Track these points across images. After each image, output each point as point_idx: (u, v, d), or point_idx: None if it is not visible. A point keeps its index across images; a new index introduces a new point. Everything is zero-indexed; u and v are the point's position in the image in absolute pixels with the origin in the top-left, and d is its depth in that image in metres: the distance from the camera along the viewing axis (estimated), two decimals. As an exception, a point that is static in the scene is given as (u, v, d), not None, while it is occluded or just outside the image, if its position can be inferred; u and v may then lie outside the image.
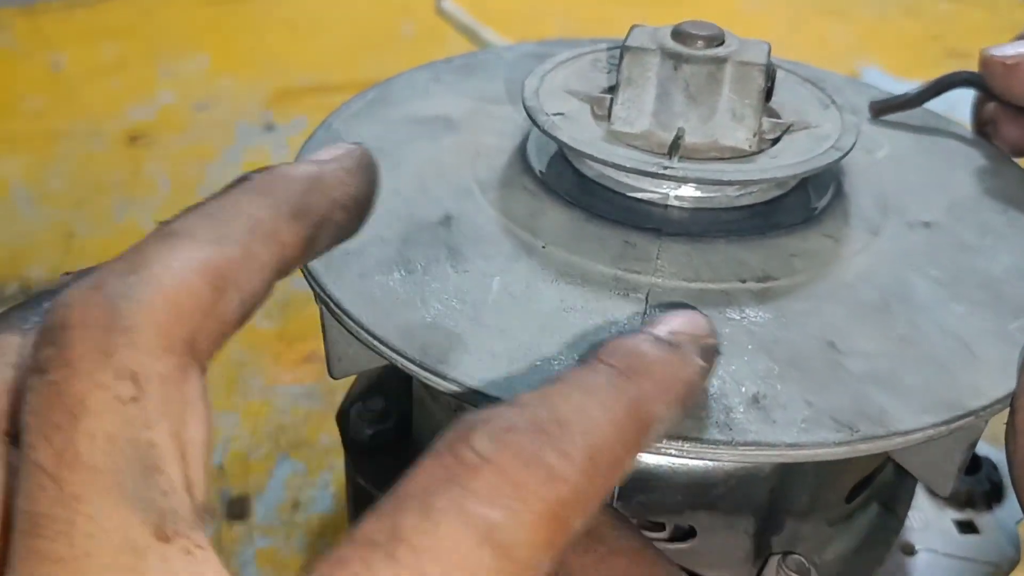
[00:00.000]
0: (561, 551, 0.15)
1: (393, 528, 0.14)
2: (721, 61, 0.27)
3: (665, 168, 0.25)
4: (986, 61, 0.31)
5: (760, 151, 0.27)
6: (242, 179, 0.18)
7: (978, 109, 0.33)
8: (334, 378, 0.26)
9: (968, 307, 0.25)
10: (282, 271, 0.18)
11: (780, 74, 0.30)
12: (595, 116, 0.28)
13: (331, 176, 0.20)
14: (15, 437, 0.16)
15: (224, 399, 0.48)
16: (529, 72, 0.30)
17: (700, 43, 0.27)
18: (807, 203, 0.28)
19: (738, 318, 0.24)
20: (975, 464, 0.34)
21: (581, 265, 0.25)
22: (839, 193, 0.29)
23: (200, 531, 0.15)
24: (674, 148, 0.26)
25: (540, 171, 0.28)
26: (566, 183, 0.28)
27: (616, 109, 0.28)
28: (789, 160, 0.26)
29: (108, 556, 0.14)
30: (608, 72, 0.30)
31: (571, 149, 0.26)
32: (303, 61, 0.75)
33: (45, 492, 0.15)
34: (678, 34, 0.27)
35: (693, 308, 0.21)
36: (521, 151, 0.29)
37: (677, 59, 0.27)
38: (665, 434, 0.18)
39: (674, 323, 0.19)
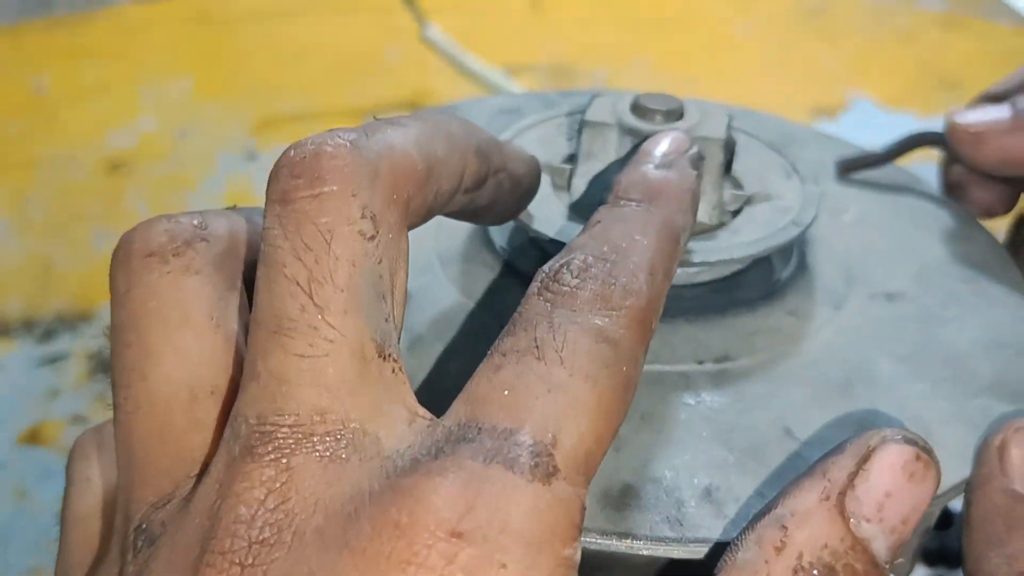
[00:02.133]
0: (648, 343, 0.19)
1: (531, 339, 0.18)
2: None
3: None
4: (951, 129, 0.31)
5: (721, 224, 0.27)
6: (445, 109, 0.22)
7: (945, 170, 0.33)
8: None
9: (930, 386, 0.25)
10: (456, 193, 0.21)
11: (743, 139, 0.30)
12: (555, 187, 0.28)
13: (510, 149, 0.23)
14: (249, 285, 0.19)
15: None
16: (496, 132, 0.29)
17: (659, 117, 0.27)
18: (769, 276, 0.28)
19: (694, 403, 0.24)
20: (947, 520, 0.34)
21: None
22: (802, 264, 0.29)
23: (400, 358, 0.18)
24: None
25: (502, 247, 0.28)
26: (527, 260, 0.28)
27: (575, 181, 0.28)
28: (748, 237, 0.26)
29: (343, 359, 0.17)
30: (570, 139, 0.30)
31: (531, 229, 0.26)
32: (287, 85, 0.75)
33: (295, 300, 0.17)
34: (637, 108, 0.27)
35: (672, 130, 0.25)
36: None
37: (635, 135, 0.27)
38: (688, 238, 0.22)
39: (662, 147, 0.24)
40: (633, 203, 0.21)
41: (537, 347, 0.17)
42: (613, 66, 0.74)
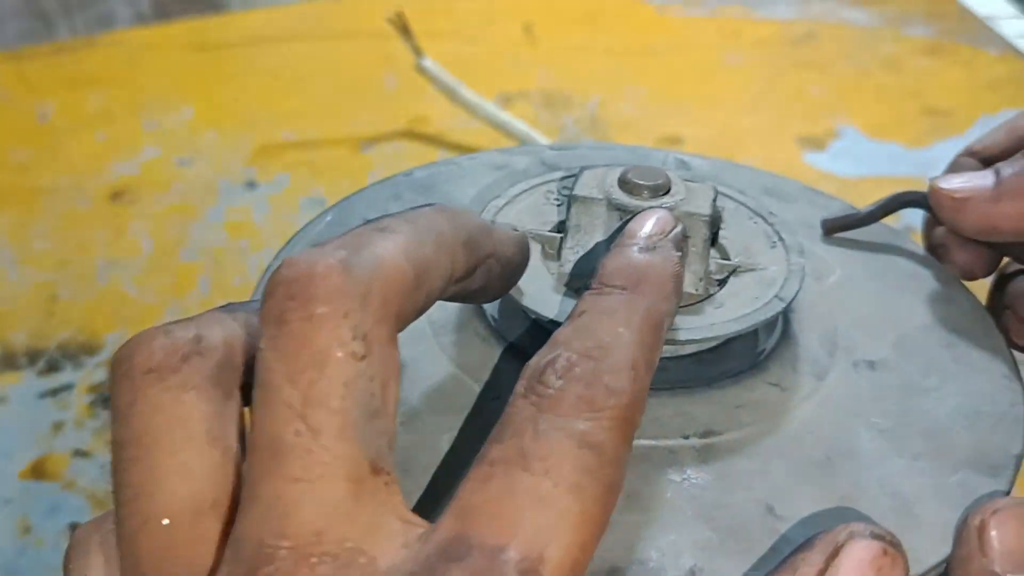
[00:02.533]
0: (632, 440, 0.19)
1: (518, 448, 0.18)
2: None
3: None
4: (933, 193, 0.31)
5: (708, 295, 0.28)
6: (431, 205, 0.22)
7: (928, 230, 0.34)
8: None
9: (909, 460, 0.26)
10: (446, 287, 0.22)
11: (731, 206, 0.31)
12: (545, 255, 0.29)
13: (499, 233, 0.24)
14: (246, 389, 0.20)
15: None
16: (487, 189, 0.30)
17: (646, 193, 0.28)
18: (754, 346, 0.29)
19: (679, 480, 0.24)
20: None
21: None
22: (787, 333, 0.29)
23: (394, 470, 0.19)
24: None
25: (493, 316, 0.29)
26: (518, 329, 0.28)
27: (565, 252, 0.28)
28: (733, 313, 0.27)
29: (338, 481, 0.18)
30: (560, 205, 0.31)
31: (520, 304, 0.27)
32: (285, 113, 0.76)
33: (290, 424, 0.18)
34: (625, 183, 0.28)
35: (655, 208, 0.26)
36: None
37: (623, 210, 0.27)
38: (671, 323, 0.23)
39: (646, 228, 0.25)
40: (617, 290, 0.22)
41: (524, 457, 0.18)
42: (606, 94, 0.75)
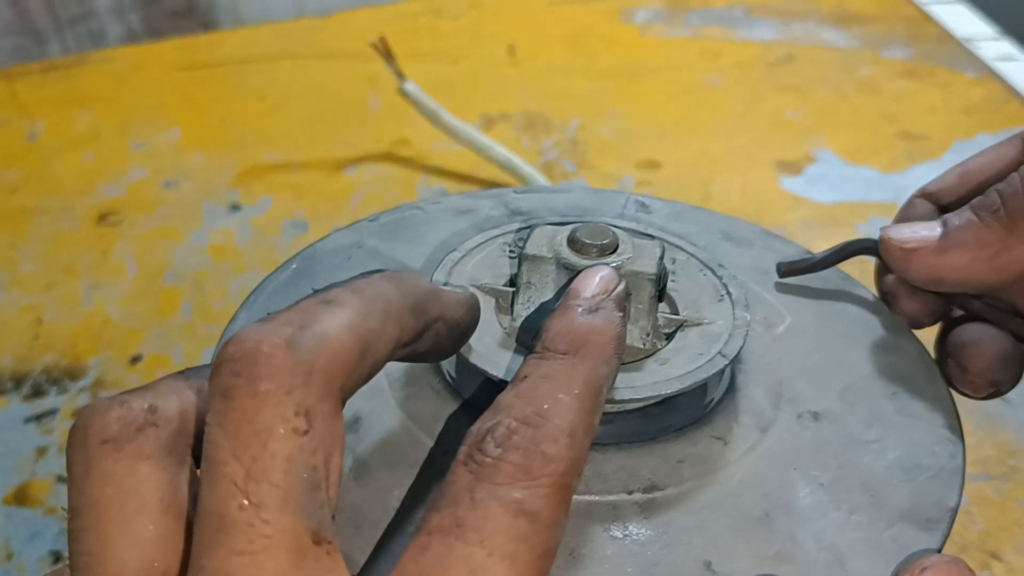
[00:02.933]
0: (568, 505, 0.20)
1: (454, 518, 0.19)
2: None
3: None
4: (883, 242, 0.32)
5: (655, 349, 0.29)
6: (379, 271, 0.23)
7: (879, 276, 0.34)
8: None
9: (846, 514, 0.26)
10: (393, 351, 0.22)
11: (681, 258, 0.32)
12: (500, 308, 0.29)
13: (447, 296, 0.25)
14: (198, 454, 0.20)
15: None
16: (451, 237, 0.31)
17: (594, 252, 0.28)
18: (700, 399, 0.29)
19: (621, 536, 0.25)
20: None
21: None
22: (733, 385, 0.30)
23: (335, 537, 0.19)
24: None
25: (448, 372, 0.30)
26: (470, 384, 0.29)
27: (517, 308, 0.29)
28: (675, 370, 0.27)
29: (280, 553, 0.18)
30: (514, 258, 0.31)
31: (469, 362, 0.28)
32: (270, 134, 0.77)
33: (233, 499, 0.18)
34: (574, 242, 0.29)
35: (598, 264, 0.27)
36: None
37: (571, 269, 0.28)
38: (611, 384, 0.24)
39: (590, 288, 0.25)
40: (558, 356, 0.23)
41: (459, 527, 0.19)
42: (586, 117, 0.76)
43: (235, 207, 0.70)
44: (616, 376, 0.25)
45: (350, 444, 0.27)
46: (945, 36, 0.82)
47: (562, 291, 0.28)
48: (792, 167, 0.69)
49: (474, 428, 0.21)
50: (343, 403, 0.21)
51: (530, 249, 0.29)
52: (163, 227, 0.69)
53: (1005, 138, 0.33)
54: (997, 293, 0.31)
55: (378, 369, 0.22)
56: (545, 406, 0.21)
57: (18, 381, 0.58)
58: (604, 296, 0.25)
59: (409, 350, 0.23)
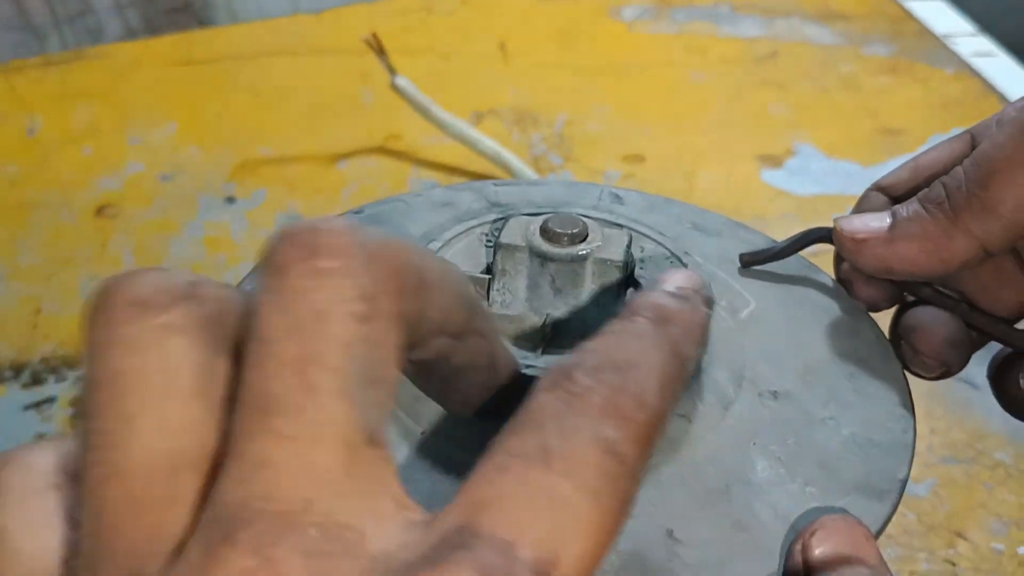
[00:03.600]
0: (648, 463, 0.19)
1: (540, 443, 0.17)
2: (582, 259, 0.30)
3: (527, 368, 0.28)
4: (836, 233, 0.33)
5: None
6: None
7: (837, 263, 0.36)
8: None
9: (801, 486, 0.28)
10: (439, 333, 0.21)
11: (649, 246, 0.33)
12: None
13: (495, 326, 0.24)
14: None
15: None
16: (433, 228, 0.33)
17: (565, 240, 0.30)
18: None
19: None
20: None
21: (454, 455, 0.27)
22: (698, 366, 0.31)
23: (388, 447, 0.17)
24: (541, 339, 0.29)
25: None
26: None
27: (493, 294, 0.31)
28: None
29: (329, 443, 0.16)
30: (491, 247, 0.33)
31: None
32: (265, 128, 0.78)
33: (283, 379, 0.16)
34: (545, 231, 0.30)
35: (686, 267, 0.27)
36: None
37: (543, 257, 0.30)
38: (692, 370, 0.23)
39: (678, 280, 0.24)
40: (647, 320, 0.21)
41: (545, 454, 0.17)
42: (573, 112, 0.77)
43: (230, 200, 0.71)
44: (696, 365, 0.25)
45: None
46: (925, 33, 0.83)
47: (539, 277, 0.30)
48: (773, 160, 0.71)
49: (560, 359, 0.19)
50: (401, 319, 0.19)
51: (504, 238, 0.30)
52: (159, 220, 0.70)
53: (955, 134, 0.34)
54: (943, 280, 0.33)
55: (424, 336, 0.20)
56: (635, 356, 0.19)
57: (17, 370, 0.59)
58: (692, 290, 0.24)
59: (447, 347, 0.21)
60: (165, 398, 0.17)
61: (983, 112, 0.73)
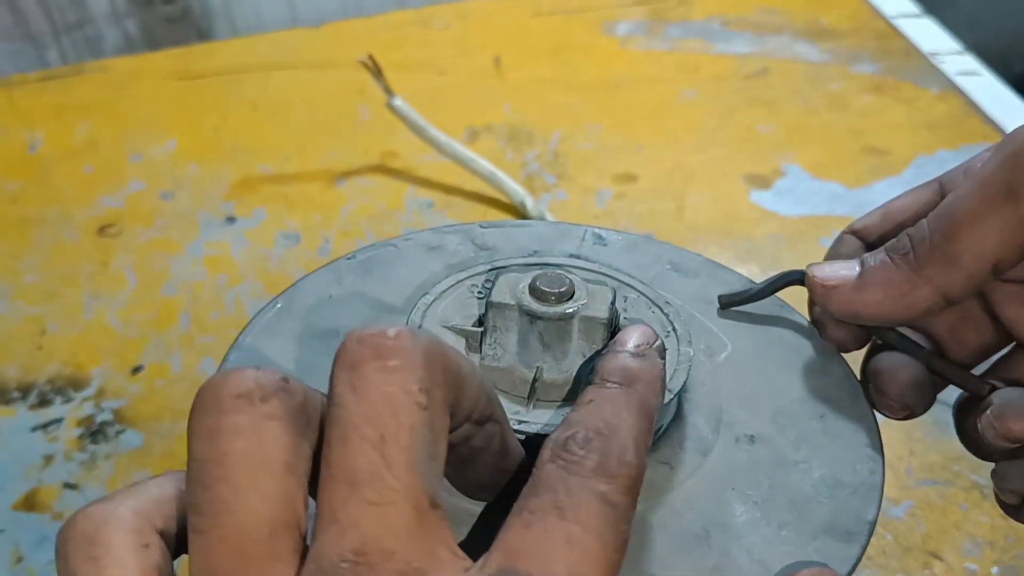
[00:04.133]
0: (635, 509, 0.24)
1: (553, 501, 0.22)
2: (568, 318, 0.31)
3: (520, 423, 0.30)
4: (808, 280, 0.35)
5: None
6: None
7: (810, 305, 0.37)
8: None
9: (776, 529, 0.30)
10: (468, 419, 0.25)
11: (632, 295, 0.35)
12: (469, 348, 0.33)
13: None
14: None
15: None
16: (424, 273, 0.34)
17: (552, 298, 0.32)
18: None
19: None
20: None
21: (447, 502, 0.29)
22: (679, 413, 0.33)
23: (444, 507, 0.22)
24: (531, 392, 0.31)
25: None
26: None
27: (485, 347, 0.32)
28: None
29: (406, 508, 0.21)
30: (483, 298, 0.34)
31: None
32: (263, 144, 0.79)
33: (366, 456, 0.21)
34: (534, 290, 0.32)
35: (641, 322, 0.30)
36: None
37: (532, 316, 0.31)
38: (658, 418, 0.28)
39: (635, 339, 0.29)
40: (616, 385, 0.26)
41: (558, 508, 0.22)
42: (567, 129, 0.79)
43: (230, 219, 0.73)
44: (660, 412, 0.29)
45: None
46: (912, 50, 0.85)
47: (528, 334, 0.31)
48: (762, 181, 0.72)
49: (553, 436, 0.24)
50: (448, 408, 0.23)
51: (495, 297, 0.32)
52: (161, 239, 0.72)
53: (925, 182, 0.36)
54: (911, 323, 0.35)
55: (458, 420, 0.24)
56: (613, 421, 0.25)
57: (24, 391, 0.61)
58: (647, 346, 0.29)
59: (470, 433, 0.25)
60: (266, 473, 0.21)
61: (967, 132, 0.75)
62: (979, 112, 0.77)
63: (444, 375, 0.23)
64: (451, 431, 0.24)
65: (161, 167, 0.78)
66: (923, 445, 0.54)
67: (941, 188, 0.36)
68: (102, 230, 0.73)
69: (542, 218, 0.69)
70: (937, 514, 0.51)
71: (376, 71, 0.72)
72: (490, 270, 0.36)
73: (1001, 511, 0.35)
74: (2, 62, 0.99)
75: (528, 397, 0.31)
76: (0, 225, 0.73)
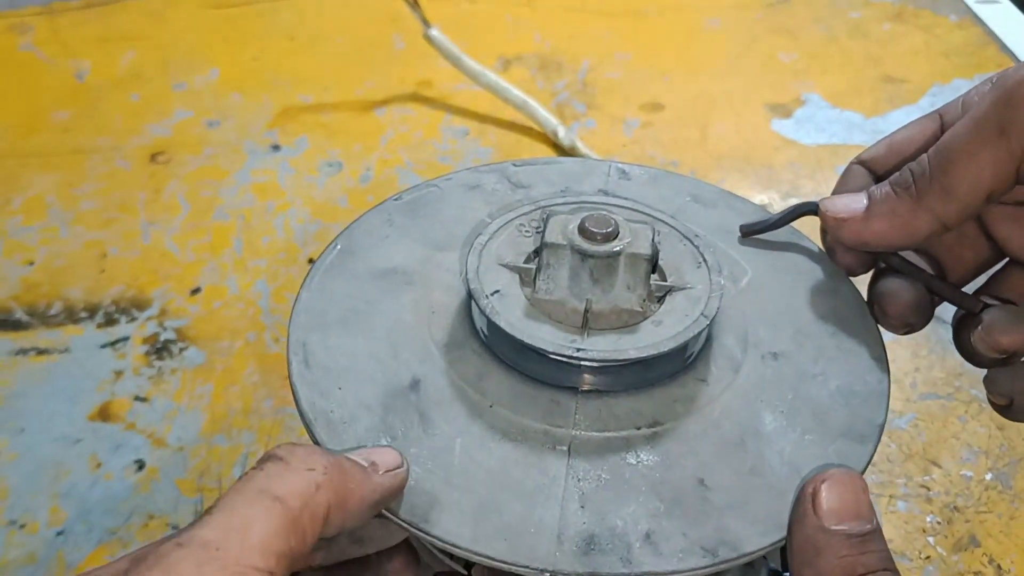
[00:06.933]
0: None
1: None
2: (616, 255, 0.35)
3: (578, 350, 0.33)
4: (821, 213, 0.38)
5: (650, 312, 0.35)
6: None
7: (823, 233, 0.40)
8: None
9: (800, 434, 0.33)
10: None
11: (665, 230, 0.39)
12: (523, 283, 0.36)
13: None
14: None
15: (242, 419, 0.58)
16: (468, 214, 0.38)
17: (600, 238, 0.35)
18: (685, 351, 0.36)
19: (635, 463, 0.32)
20: None
21: (519, 423, 0.33)
22: (710, 336, 0.37)
23: None
24: (584, 322, 0.35)
25: (484, 334, 0.36)
26: (504, 346, 0.35)
27: (539, 282, 0.35)
28: (668, 331, 0.34)
29: None
30: (530, 236, 0.38)
31: (508, 334, 0.34)
32: (302, 74, 0.82)
33: None
34: (583, 231, 0.35)
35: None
36: (467, 308, 0.37)
37: (583, 254, 0.35)
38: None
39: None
40: None
41: None
42: (595, 59, 0.81)
43: (275, 147, 0.76)
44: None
45: (413, 402, 0.34)
46: (934, -23, 0.86)
47: (579, 270, 0.35)
48: (783, 110, 0.75)
49: None
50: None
51: (548, 238, 0.35)
52: (209, 167, 0.75)
53: (927, 113, 0.39)
54: (914, 246, 0.38)
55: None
56: None
57: (91, 311, 0.65)
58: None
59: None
60: None
61: (984, 60, 0.78)
62: (996, 40, 0.79)
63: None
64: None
65: (205, 96, 0.81)
66: (927, 362, 0.58)
67: (941, 119, 0.38)
68: (153, 158, 0.76)
69: (573, 147, 0.73)
70: (938, 425, 0.55)
71: (413, 1, 0.74)
72: (534, 210, 0.39)
73: (995, 413, 0.39)
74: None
75: (582, 326, 0.35)
76: (55, 154, 0.77)
